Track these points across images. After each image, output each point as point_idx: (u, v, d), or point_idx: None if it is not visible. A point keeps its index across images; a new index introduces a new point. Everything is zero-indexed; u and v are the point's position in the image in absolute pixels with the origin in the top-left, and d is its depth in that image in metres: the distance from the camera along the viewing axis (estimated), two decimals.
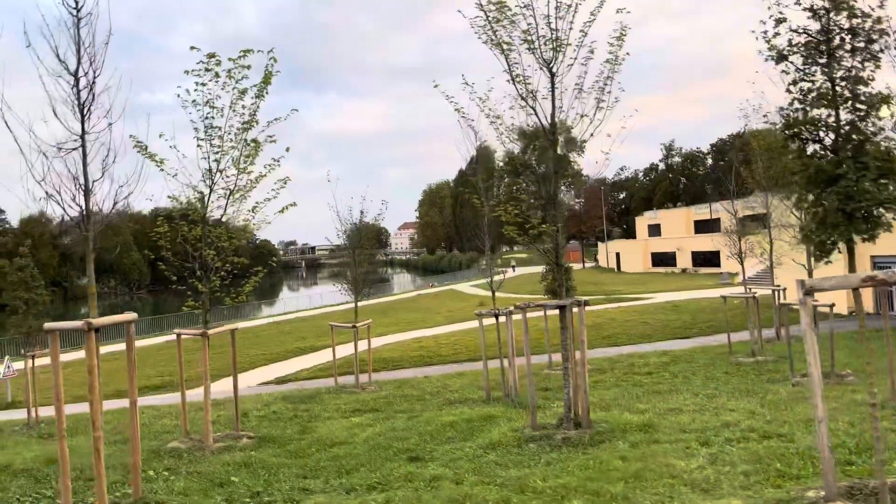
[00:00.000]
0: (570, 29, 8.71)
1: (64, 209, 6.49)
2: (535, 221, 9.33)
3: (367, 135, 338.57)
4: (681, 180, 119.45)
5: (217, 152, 10.29)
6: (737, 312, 27.92)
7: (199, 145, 10.33)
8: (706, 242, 57.56)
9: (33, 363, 14.78)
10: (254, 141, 10.43)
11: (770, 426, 8.27)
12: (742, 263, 21.78)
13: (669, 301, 35.60)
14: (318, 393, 16.32)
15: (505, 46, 8.83)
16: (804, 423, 8.18)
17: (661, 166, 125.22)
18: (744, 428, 8.22)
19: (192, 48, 9.81)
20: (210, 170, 10.29)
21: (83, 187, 6.43)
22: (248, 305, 55.29)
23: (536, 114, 8.87)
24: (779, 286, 20.57)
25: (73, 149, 6.15)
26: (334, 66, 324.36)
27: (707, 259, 57.05)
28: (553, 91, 8.86)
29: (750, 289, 19.84)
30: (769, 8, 17.28)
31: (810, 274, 14.57)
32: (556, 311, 9.24)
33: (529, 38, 8.71)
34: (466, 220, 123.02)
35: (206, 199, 10.77)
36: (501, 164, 12.13)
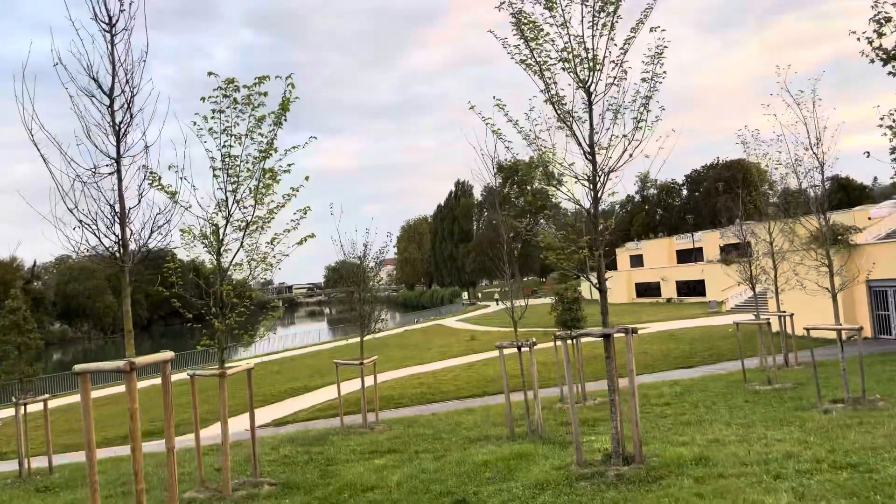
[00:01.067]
0: (607, 48, 8.45)
1: (99, 238, 5.94)
2: (581, 245, 8.94)
3: (344, 172, 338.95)
4: (657, 211, 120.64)
5: (234, 182, 9.84)
6: (731, 340, 27.86)
7: (215, 175, 9.87)
8: (691, 272, 57.81)
9: (25, 411, 13.96)
10: (270, 170, 10.00)
11: (834, 455, 7.87)
12: (754, 290, 21.45)
13: (664, 331, 35.38)
14: (325, 434, 15.62)
15: (540, 66, 8.55)
16: (871, 451, 7.79)
17: (637, 198, 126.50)
18: (808, 458, 7.81)
19: (210, 73, 9.41)
20: (226, 200, 9.82)
21: (119, 214, 5.91)
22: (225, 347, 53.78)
23: (575, 134, 8.56)
24: (784, 312, 20.38)
25: (109, 173, 5.65)
26: (309, 105, 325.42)
27: (692, 288, 57.19)
28: (591, 111, 8.57)
29: (758, 314, 19.62)
30: (873, 7, 16.74)
31: (835, 298, 14.26)
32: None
33: (566, 57, 8.44)
34: (446, 256, 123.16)
35: (220, 231, 10.28)
36: (528, 198, 11.73)
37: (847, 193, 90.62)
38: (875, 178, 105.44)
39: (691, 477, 7.54)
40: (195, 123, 9.52)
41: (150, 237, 6.09)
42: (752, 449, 8.80)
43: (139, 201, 5.91)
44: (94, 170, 5.61)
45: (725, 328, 32.94)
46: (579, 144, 8.63)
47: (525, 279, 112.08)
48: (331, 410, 21.22)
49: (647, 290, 62.22)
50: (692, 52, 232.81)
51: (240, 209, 9.87)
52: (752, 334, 29.80)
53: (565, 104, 8.60)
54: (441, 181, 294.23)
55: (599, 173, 8.56)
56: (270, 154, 9.89)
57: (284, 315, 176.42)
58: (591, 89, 8.53)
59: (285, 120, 9.90)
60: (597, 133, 8.60)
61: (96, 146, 5.77)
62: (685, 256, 64.53)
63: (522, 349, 12.88)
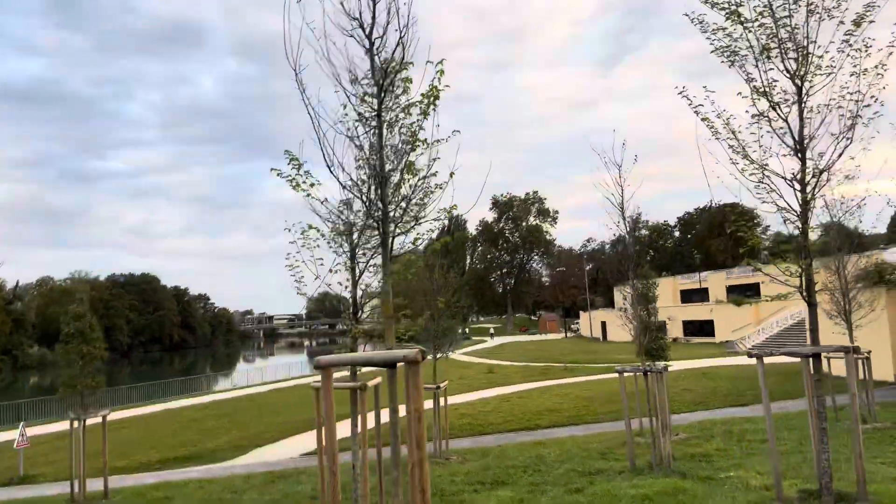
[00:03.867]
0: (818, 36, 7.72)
1: (364, 202, 4.91)
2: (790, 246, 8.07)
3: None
4: (649, 252, 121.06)
5: (377, 175, 8.90)
6: (772, 379, 27.14)
7: (358, 165, 8.93)
8: (699, 311, 57.31)
9: (83, 425, 12.67)
10: (410, 164, 9.07)
11: None
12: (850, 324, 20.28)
13: (693, 368, 34.50)
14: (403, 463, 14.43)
15: (744, 54, 7.80)
16: None
17: (628, 238, 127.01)
18: None
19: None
20: (372, 190, 8.87)
21: (379, 176, 4.94)
22: (204, 377, 51.89)
23: (790, 127, 7.77)
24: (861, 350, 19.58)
25: (375, 126, 4.71)
26: (292, 136, 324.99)
27: (700, 328, 56.65)
28: (801, 104, 7.80)
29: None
30: None
31: None
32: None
33: (771, 45, 7.70)
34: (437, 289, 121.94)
35: (352, 229, 9.31)
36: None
37: (849, 238, 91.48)
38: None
39: None
40: (343, 106, 8.60)
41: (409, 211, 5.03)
42: None
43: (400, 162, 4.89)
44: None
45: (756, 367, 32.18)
46: (786, 139, 7.84)
47: (515, 315, 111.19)
48: (371, 439, 20.01)
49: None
50: (672, 99, 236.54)
51: (393, 200, 8.92)
52: (793, 375, 29.18)
53: (773, 96, 7.83)
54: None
55: (811, 172, 7.75)
56: (416, 147, 8.98)
57: (265, 345, 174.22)
58: (800, 84, 7.78)
59: (435, 109, 8.97)
60: (806, 128, 7.82)
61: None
62: (689, 296, 64.13)
63: (649, 374, 11.90)
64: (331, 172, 4.71)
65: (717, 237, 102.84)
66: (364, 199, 4.78)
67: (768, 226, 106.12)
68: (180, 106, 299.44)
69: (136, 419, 27.97)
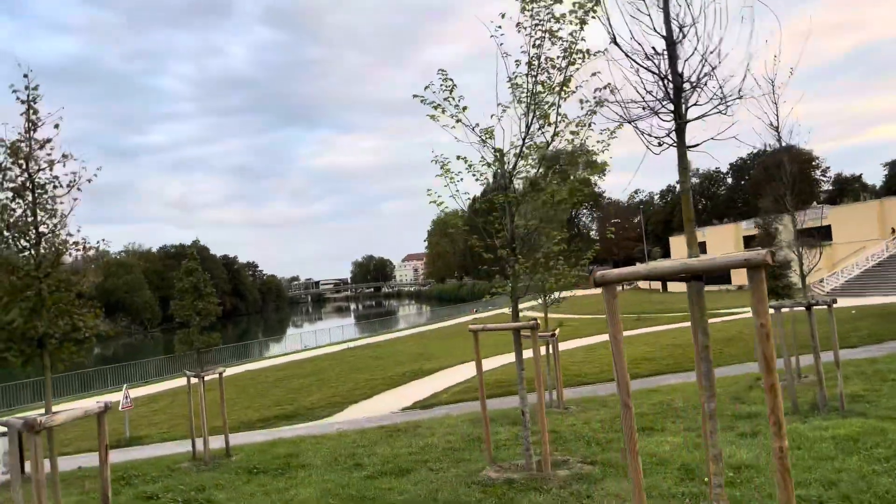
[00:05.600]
0: None
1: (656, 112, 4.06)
2: None
3: (361, 170, 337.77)
4: (701, 201, 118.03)
5: (532, 100, 8.05)
6: (874, 321, 25.86)
7: (513, 85, 8.09)
8: None
9: (203, 383, 12.27)
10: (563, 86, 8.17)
11: None
12: None
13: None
14: (512, 414, 13.86)
15: None
16: None
17: (678, 188, 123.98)
18: None
19: None
20: (528, 120, 8.04)
21: (672, 87, 4.00)
22: (253, 344, 52.07)
23: None
24: None
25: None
26: (325, 103, 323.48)
27: (770, 274, 54.76)
28: None
29: None
30: None
31: None
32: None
33: None
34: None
35: (504, 156, 8.53)
36: None
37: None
38: None
39: None
40: (499, 27, 7.73)
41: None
42: None
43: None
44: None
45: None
46: None
47: None
48: (473, 392, 19.48)
49: (715, 277, 59.93)
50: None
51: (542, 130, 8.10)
52: (888, 315, 27.81)
53: None
54: (462, 177, 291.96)
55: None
56: (573, 64, 8.07)
57: (312, 310, 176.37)
58: None
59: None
60: None
61: None
62: (753, 243, 62.14)
63: (814, 308, 10.95)
64: (614, 42, 3.83)
65: (772, 182, 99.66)
66: (656, 69, 3.84)
67: (828, 167, 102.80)
68: (213, 77, 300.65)
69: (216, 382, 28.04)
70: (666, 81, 3.84)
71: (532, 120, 8.11)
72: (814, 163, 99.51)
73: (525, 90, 8.00)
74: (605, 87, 7.86)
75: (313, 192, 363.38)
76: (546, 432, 7.81)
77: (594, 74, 8.11)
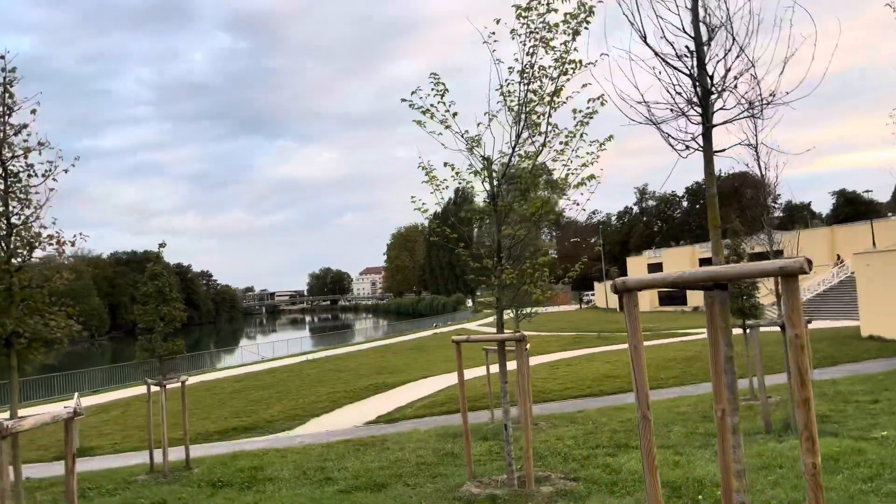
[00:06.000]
0: None
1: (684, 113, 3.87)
2: None
3: (321, 181, 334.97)
4: (657, 223, 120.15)
5: (527, 102, 7.94)
6: (825, 343, 26.40)
7: (505, 93, 7.98)
8: None
9: (164, 394, 11.79)
10: (557, 91, 8.09)
11: None
12: None
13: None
14: (497, 428, 13.65)
15: None
16: None
17: (636, 210, 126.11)
18: None
19: None
20: (522, 118, 7.93)
21: (700, 89, 3.81)
22: (206, 354, 50.75)
23: None
24: None
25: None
26: (285, 112, 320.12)
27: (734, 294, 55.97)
28: None
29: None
30: None
31: None
32: None
33: None
34: (444, 263, 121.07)
35: (493, 165, 8.39)
36: None
37: (854, 207, 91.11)
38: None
39: None
40: (496, 24, 7.62)
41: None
42: None
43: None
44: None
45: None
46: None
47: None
48: (438, 407, 19.26)
49: (672, 299, 60.92)
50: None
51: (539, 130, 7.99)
52: (841, 339, 28.50)
53: None
54: (423, 191, 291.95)
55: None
56: (566, 71, 8.00)
57: (267, 322, 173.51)
58: None
59: (586, 27, 7.95)
60: None
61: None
62: (708, 264, 63.40)
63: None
64: (644, 41, 3.68)
65: (727, 206, 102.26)
66: (686, 69, 3.69)
67: (780, 194, 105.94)
68: (172, 82, 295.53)
69: (173, 392, 27.17)
70: (694, 83, 3.73)
71: (522, 128, 7.99)
72: (767, 189, 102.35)
73: (516, 98, 7.89)
74: (597, 98, 7.85)
75: (271, 202, 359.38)
76: (530, 447, 7.63)
77: (585, 86, 8.09)
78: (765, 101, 3.72)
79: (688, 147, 3.82)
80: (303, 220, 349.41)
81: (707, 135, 3.80)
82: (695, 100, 3.70)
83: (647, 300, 62.69)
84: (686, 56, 3.66)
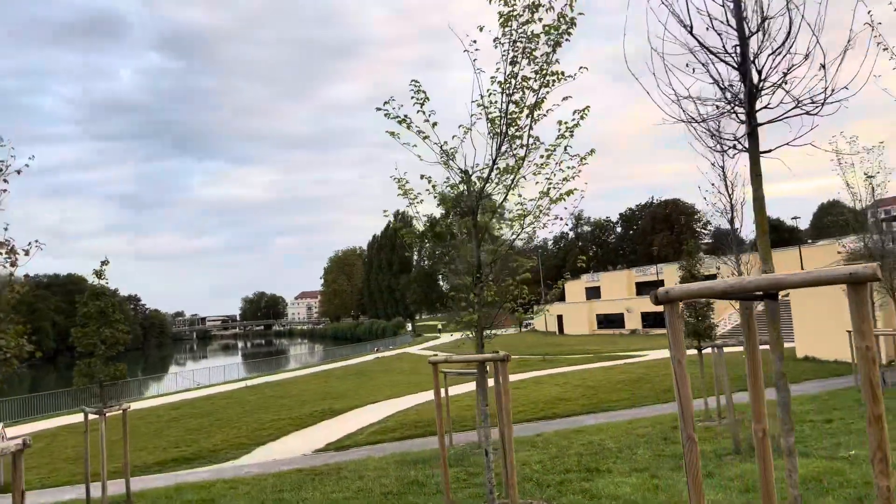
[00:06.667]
0: None
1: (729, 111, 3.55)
2: None
3: (255, 203, 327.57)
4: (592, 248, 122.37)
5: (507, 113, 7.69)
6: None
7: (486, 104, 7.70)
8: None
9: (104, 422, 10.93)
10: (538, 102, 7.87)
11: None
12: None
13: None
14: (463, 454, 13.25)
15: None
16: None
17: (571, 235, 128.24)
18: None
19: None
20: (503, 129, 7.66)
21: (746, 85, 3.46)
22: (133, 382, 48.36)
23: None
24: None
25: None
26: (219, 133, 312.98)
27: (657, 320, 57.26)
28: None
29: None
30: None
31: None
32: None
33: None
34: (383, 287, 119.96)
35: (471, 178, 8.08)
36: None
37: (779, 234, 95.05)
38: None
39: None
40: (482, 29, 7.36)
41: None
42: None
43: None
44: None
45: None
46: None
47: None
48: (390, 433, 18.67)
49: (610, 321, 61.84)
50: (604, 99, 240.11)
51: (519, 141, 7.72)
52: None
53: None
54: (360, 214, 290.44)
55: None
56: (547, 80, 7.79)
57: (198, 347, 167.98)
58: None
59: (567, 38, 7.77)
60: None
61: None
62: (644, 288, 64.68)
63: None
64: (690, 32, 3.43)
65: (659, 232, 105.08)
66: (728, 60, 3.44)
67: (709, 221, 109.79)
68: (99, 100, 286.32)
69: (81, 425, 25.68)
70: (740, 77, 3.51)
71: (504, 140, 7.72)
72: (696, 216, 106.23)
73: (497, 109, 7.63)
74: (584, 110, 7.66)
75: (203, 224, 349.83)
76: (514, 474, 7.25)
77: (565, 99, 7.90)
78: (822, 96, 3.52)
79: (734, 147, 3.60)
80: (236, 243, 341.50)
81: (753, 134, 3.59)
82: (741, 96, 3.49)
83: (586, 325, 63.44)
84: (727, 53, 3.45)
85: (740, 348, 12.15)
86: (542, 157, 7.96)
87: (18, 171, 5.70)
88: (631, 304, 59.46)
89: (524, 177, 8.00)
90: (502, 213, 8.24)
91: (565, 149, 7.68)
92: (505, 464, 7.33)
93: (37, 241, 5.83)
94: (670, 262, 65.53)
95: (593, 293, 71.15)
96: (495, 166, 7.81)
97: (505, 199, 8.00)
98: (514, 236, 8.22)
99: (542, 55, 7.66)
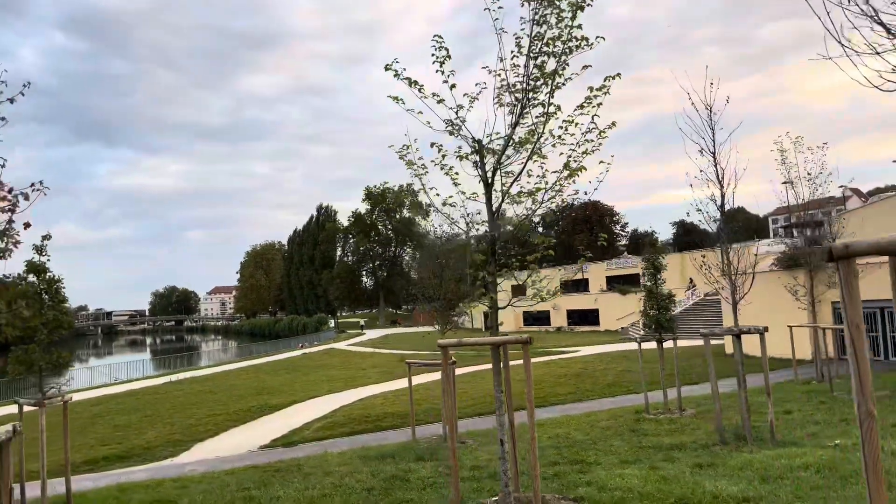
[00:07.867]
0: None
1: None
2: None
3: (166, 194, 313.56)
4: (514, 247, 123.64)
5: (529, 82, 7.17)
6: (690, 363, 27.61)
7: (509, 67, 7.14)
8: (584, 301, 58.88)
9: (43, 415, 9.77)
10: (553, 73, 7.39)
11: None
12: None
13: (604, 353, 34.79)
14: (415, 449, 12.66)
15: None
16: None
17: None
18: None
19: None
20: (525, 94, 7.13)
21: None
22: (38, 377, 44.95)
23: None
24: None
25: None
26: (130, 121, 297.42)
27: (584, 317, 58.21)
28: None
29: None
30: None
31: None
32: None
33: None
34: (304, 282, 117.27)
35: (484, 148, 7.53)
36: None
37: (692, 236, 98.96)
38: None
39: None
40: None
41: None
42: None
43: None
44: None
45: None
46: None
47: (387, 309, 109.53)
48: (339, 428, 17.87)
49: (537, 318, 62.41)
50: None
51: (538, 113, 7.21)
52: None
53: None
54: (279, 209, 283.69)
55: None
56: (568, 51, 7.31)
57: (102, 343, 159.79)
58: None
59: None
60: None
61: None
62: (572, 286, 65.72)
63: (744, 335, 10.93)
64: None
65: (580, 233, 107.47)
66: None
67: (627, 223, 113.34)
68: None
69: (14, 417, 23.55)
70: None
71: (525, 107, 7.19)
72: (615, 217, 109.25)
73: (521, 74, 7.09)
74: (614, 77, 7.22)
75: (110, 214, 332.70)
76: (537, 465, 6.74)
77: (585, 67, 7.46)
78: None
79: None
80: (146, 235, 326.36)
81: None
82: None
83: (512, 322, 63.82)
84: None
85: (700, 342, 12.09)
86: (560, 127, 7.47)
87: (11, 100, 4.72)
88: (557, 302, 60.20)
89: (540, 149, 7.49)
90: (517, 190, 7.70)
91: (592, 118, 7.21)
92: (532, 455, 6.80)
93: (41, 182, 4.87)
94: (596, 262, 66.93)
95: (518, 291, 71.68)
96: (515, 134, 7.27)
97: (522, 171, 7.46)
98: (533, 208, 7.69)
99: (567, 18, 7.18)
